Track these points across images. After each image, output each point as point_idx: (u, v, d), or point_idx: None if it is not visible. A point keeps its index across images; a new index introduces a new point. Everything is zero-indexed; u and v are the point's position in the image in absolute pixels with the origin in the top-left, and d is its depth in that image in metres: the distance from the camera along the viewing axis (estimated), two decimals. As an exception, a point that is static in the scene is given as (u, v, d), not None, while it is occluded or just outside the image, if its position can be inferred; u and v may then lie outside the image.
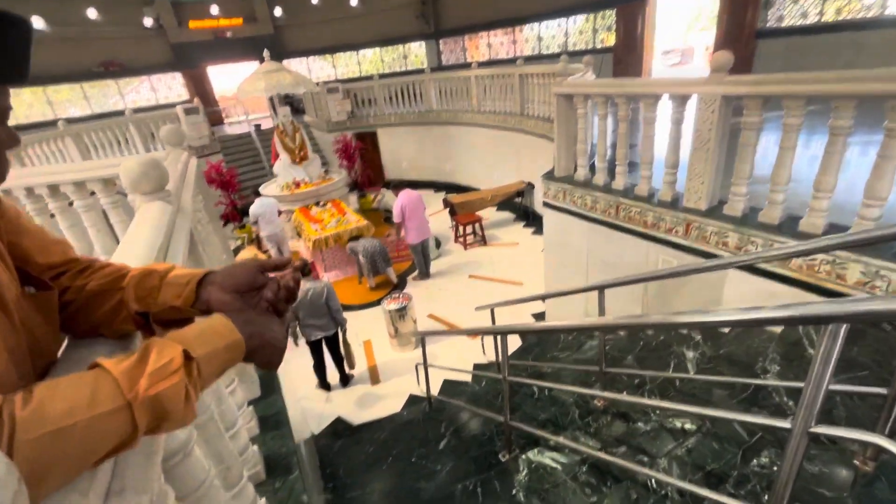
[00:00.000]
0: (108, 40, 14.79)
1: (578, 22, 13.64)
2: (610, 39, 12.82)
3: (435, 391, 4.44)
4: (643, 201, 3.38)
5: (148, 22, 15.39)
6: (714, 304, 3.07)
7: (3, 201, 0.65)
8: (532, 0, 13.93)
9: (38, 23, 13.28)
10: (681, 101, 3.01)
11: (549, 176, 4.33)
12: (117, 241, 2.50)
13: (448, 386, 4.59)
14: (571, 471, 2.15)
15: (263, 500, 1.27)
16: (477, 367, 4.79)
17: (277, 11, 17.53)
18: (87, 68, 14.47)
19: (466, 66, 13.70)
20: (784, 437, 1.03)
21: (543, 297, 3.95)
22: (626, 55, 11.96)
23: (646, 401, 1.64)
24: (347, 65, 19.06)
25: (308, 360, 4.73)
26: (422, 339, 3.72)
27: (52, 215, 2.95)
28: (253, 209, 7.23)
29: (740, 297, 2.91)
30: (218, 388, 1.28)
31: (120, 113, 11.22)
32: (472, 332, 2.88)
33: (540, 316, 5.56)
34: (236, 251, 8.33)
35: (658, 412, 2.23)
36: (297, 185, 8.50)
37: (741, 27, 9.03)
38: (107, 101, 15.33)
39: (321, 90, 11.34)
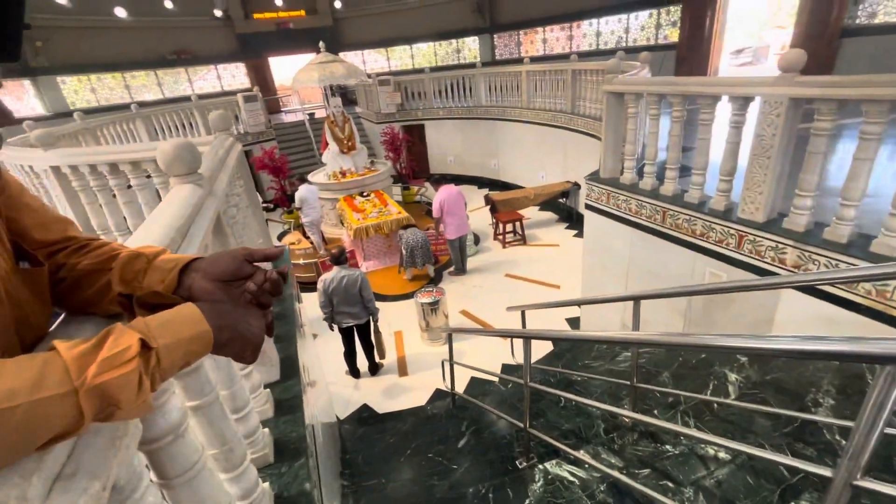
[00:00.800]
0: (181, 30, 15.75)
1: (641, 17, 13.01)
2: (674, 36, 12.14)
3: (462, 388, 4.43)
4: (693, 209, 3.16)
5: (217, 13, 16.24)
6: (765, 325, 2.82)
7: (6, 177, 0.67)
8: (593, -6, 13.42)
9: (120, 13, 14.36)
10: (742, 102, 2.77)
11: (594, 177, 4.15)
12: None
13: (475, 384, 4.56)
14: (589, 488, 2.06)
15: (267, 483, 1.29)
16: (505, 368, 4.71)
17: (337, 4, 17.95)
18: (162, 56, 15.49)
19: (519, 60, 13.45)
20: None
21: (576, 304, 3.80)
22: (691, 53, 11.27)
23: (675, 427, 1.52)
24: (401, 58, 19.25)
25: (339, 346, 4.84)
26: (449, 336, 3.70)
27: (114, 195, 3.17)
28: (298, 194, 7.54)
29: (796, 321, 2.66)
30: (230, 369, 1.31)
31: (187, 98, 11.95)
32: (498, 334, 2.81)
33: (574, 321, 5.38)
34: (282, 235, 8.67)
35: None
36: (344, 174, 8.69)
37: (824, 24, 8.24)
38: (177, 87, 16.35)
39: (373, 82, 11.52)
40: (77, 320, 0.67)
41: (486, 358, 4.79)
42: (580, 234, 7.83)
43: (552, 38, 15.77)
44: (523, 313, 3.70)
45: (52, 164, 3.16)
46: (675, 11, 11.84)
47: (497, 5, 16.41)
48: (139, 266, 0.65)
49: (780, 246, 2.64)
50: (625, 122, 3.85)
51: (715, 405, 2.37)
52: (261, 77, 17.52)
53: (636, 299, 2.38)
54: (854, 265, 2.35)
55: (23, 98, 12.54)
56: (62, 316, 0.69)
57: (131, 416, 0.48)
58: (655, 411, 2.51)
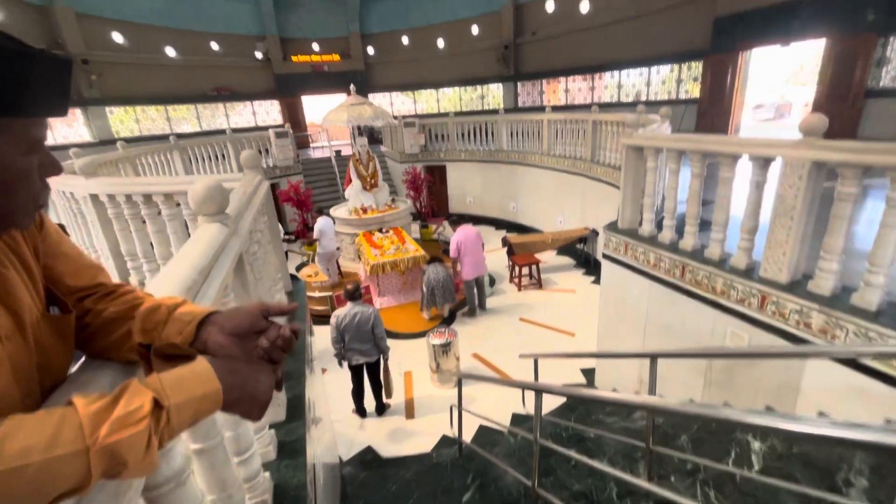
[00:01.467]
0: (223, 69, 16.83)
1: (662, 72, 13.35)
2: (695, 90, 12.37)
3: (469, 436, 4.29)
4: (713, 266, 3.11)
5: (258, 55, 17.37)
6: (790, 392, 2.69)
7: (48, 224, 0.71)
8: (614, 48, 13.91)
9: (170, 52, 15.49)
10: (764, 163, 2.77)
11: (612, 227, 4.15)
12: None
13: (484, 432, 4.41)
14: (599, 559, 1.93)
15: (263, 532, 1.26)
16: (515, 418, 4.57)
17: (370, 50, 19.03)
18: (203, 92, 16.49)
19: (541, 109, 13.84)
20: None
21: (591, 356, 3.70)
22: (712, 108, 11.43)
23: None
24: (427, 101, 20.04)
25: (348, 382, 4.78)
26: (459, 381, 3.62)
27: (144, 221, 3.30)
28: (317, 226, 7.79)
29: (824, 389, 2.53)
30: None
31: (222, 132, 12.59)
32: (510, 384, 2.75)
33: (590, 372, 5.22)
34: (301, 267, 8.80)
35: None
36: (365, 210, 8.89)
37: (847, 85, 8.30)
38: (215, 120, 17.28)
39: (399, 123, 11.97)
40: (95, 366, 0.69)
41: (497, 405, 4.66)
42: (597, 281, 7.73)
43: (574, 88, 16.24)
44: (536, 361, 3.62)
45: (91, 192, 3.33)
46: (697, 67, 12.14)
47: (521, 56, 17.11)
48: (159, 317, 0.67)
49: (805, 310, 2.56)
50: (644, 175, 3.88)
51: (737, 477, 2.23)
52: (293, 114, 18.42)
53: (653, 357, 2.31)
54: (885, 334, 2.25)
55: (72, 125, 13.40)
56: (82, 358, 0.71)
57: (137, 475, 0.48)
58: (673, 478, 2.38)
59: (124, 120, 14.95)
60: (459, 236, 6.61)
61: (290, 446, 1.68)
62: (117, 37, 14.20)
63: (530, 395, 4.19)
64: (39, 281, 0.66)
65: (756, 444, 2.48)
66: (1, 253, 0.60)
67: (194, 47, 15.99)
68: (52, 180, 0.64)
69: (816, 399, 2.58)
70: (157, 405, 0.50)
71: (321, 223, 7.79)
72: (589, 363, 5.38)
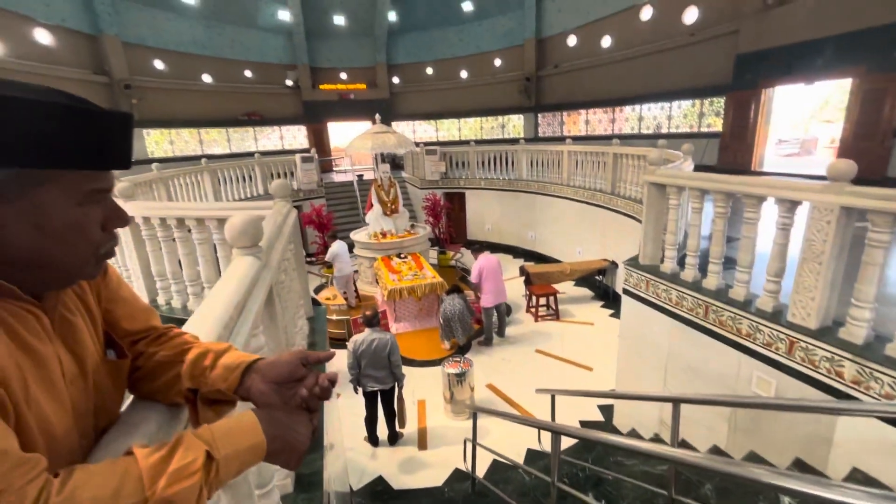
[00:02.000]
0: (255, 95, 17.60)
1: (684, 105, 13.41)
2: (717, 124, 12.36)
3: (483, 470, 4.19)
4: (738, 307, 3.04)
5: (289, 82, 18.14)
6: (822, 444, 2.57)
7: (111, 269, 0.76)
8: (636, 82, 14.07)
9: (206, 79, 16.30)
10: (790, 205, 2.74)
11: (633, 263, 4.11)
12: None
13: (498, 468, 4.30)
14: None
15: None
16: (530, 454, 4.45)
17: (395, 80, 19.67)
18: (234, 116, 17.22)
19: (561, 139, 13.98)
20: None
21: (610, 396, 3.60)
22: (735, 142, 11.38)
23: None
24: (449, 129, 20.47)
25: (361, 409, 4.75)
26: (474, 415, 3.57)
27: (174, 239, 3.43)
28: (331, 250, 8.01)
29: (858, 443, 2.41)
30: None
31: (251, 154, 13.06)
32: (525, 422, 2.70)
33: (608, 409, 5.08)
34: (319, 289, 8.90)
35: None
36: (384, 235, 9.02)
37: (876, 123, 8.18)
38: (244, 143, 17.95)
39: (420, 151, 12.23)
40: (143, 408, 0.72)
41: (511, 439, 4.55)
42: (616, 315, 7.60)
43: (594, 120, 16.40)
44: (553, 398, 3.55)
45: (129, 214, 3.49)
46: (719, 102, 12.16)
47: (542, 88, 17.43)
48: (206, 363, 0.71)
49: (837, 358, 2.47)
50: (666, 211, 3.86)
51: (765, 533, 2.12)
52: (319, 139, 19.02)
53: (676, 402, 2.26)
54: (923, 388, 2.15)
55: (111, 146, 14.08)
56: (130, 399, 0.75)
57: None
58: (696, 532, 2.27)
59: (159, 141, 15.65)
60: (481, 263, 6.67)
61: (307, 479, 1.68)
62: (158, 64, 15.05)
63: (546, 432, 4.10)
64: (100, 325, 0.70)
65: (786, 500, 2.37)
66: (70, 301, 0.65)
67: (229, 74, 16.81)
68: None
69: (850, 452, 2.46)
70: (209, 457, 0.53)
71: (335, 247, 8.00)
72: (608, 399, 5.24)
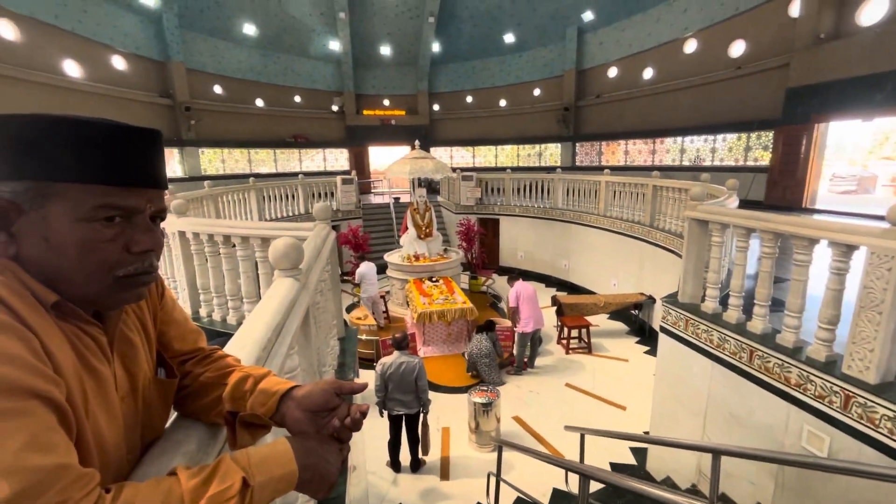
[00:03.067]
0: (302, 119, 18.53)
1: (729, 138, 13.04)
2: (765, 158, 11.92)
3: (505, 508, 4.04)
4: (787, 354, 2.86)
5: (335, 108, 19.01)
6: (883, 512, 2.34)
7: (168, 292, 0.82)
8: (678, 114, 13.86)
9: (259, 103, 17.33)
10: (846, 249, 2.59)
11: (672, 300, 3.96)
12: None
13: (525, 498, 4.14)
14: None
15: None
16: (556, 494, 4.26)
17: (435, 107, 20.24)
18: (282, 138, 18.13)
19: (599, 168, 13.84)
20: None
21: (645, 441, 3.42)
22: (785, 178, 10.91)
23: None
24: (486, 155, 20.73)
25: (385, 433, 4.72)
26: (499, 448, 3.48)
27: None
28: (359, 271, 8.25)
29: (926, 515, 2.18)
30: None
31: (295, 175, 13.66)
32: (553, 462, 2.60)
33: (641, 452, 4.82)
34: (351, 308, 9.05)
35: None
36: (417, 258, 9.12)
37: (944, 163, 7.65)
38: (289, 164, 18.81)
39: (457, 176, 12.41)
40: (186, 426, 0.76)
41: (537, 476, 4.38)
42: (652, 352, 7.29)
43: (634, 150, 16.19)
44: (583, 438, 3.42)
45: (180, 229, 3.71)
46: (766, 136, 11.75)
47: (581, 118, 17.45)
48: (247, 387, 0.74)
49: (900, 417, 2.27)
50: (708, 249, 3.73)
51: None
52: (359, 162, 19.69)
53: (716, 453, 2.12)
54: None
55: (169, 162, 15.12)
56: (174, 416, 0.79)
57: None
58: None
59: (212, 160, 16.65)
60: (518, 288, 6.74)
61: (332, 503, 1.68)
62: (217, 88, 16.16)
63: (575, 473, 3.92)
64: (154, 345, 0.75)
65: (841, 572, 2.15)
66: (131, 321, 0.70)
67: (280, 99, 17.82)
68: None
69: (917, 526, 2.22)
70: (245, 484, 0.55)
71: (362, 268, 8.24)
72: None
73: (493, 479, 3.57)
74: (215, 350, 0.85)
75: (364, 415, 0.73)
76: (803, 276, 2.84)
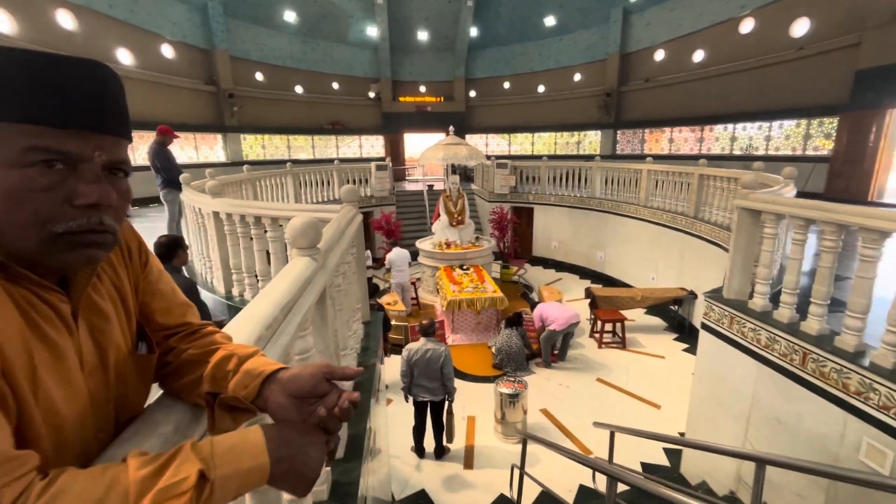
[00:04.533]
0: (339, 106, 18.73)
1: (786, 126, 12.12)
2: (827, 147, 11.01)
3: (529, 500, 3.96)
4: (846, 358, 2.60)
5: (371, 95, 19.08)
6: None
7: (152, 261, 0.76)
8: (730, 100, 13.00)
9: (298, 90, 17.62)
10: (923, 244, 2.30)
11: (716, 295, 3.70)
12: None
13: (544, 500, 4.04)
14: None
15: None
16: (582, 491, 4.14)
17: (472, 93, 19.93)
18: (320, 125, 18.42)
19: (641, 157, 13.24)
20: None
21: (682, 444, 3.21)
22: (849, 168, 10.04)
23: None
24: (522, 143, 20.30)
25: (410, 418, 4.72)
26: (524, 442, 3.38)
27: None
28: (389, 256, 8.36)
29: None
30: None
31: (331, 161, 13.85)
32: (580, 460, 2.48)
33: (675, 453, 4.60)
34: (382, 293, 9.12)
35: None
36: (449, 245, 9.05)
37: None
38: (327, 150, 19.12)
39: (491, 164, 12.20)
40: (166, 405, 0.71)
41: (563, 472, 4.27)
42: (691, 350, 6.95)
43: (679, 139, 15.37)
44: (613, 436, 3.27)
45: (214, 209, 3.79)
46: (830, 123, 10.83)
47: (623, 104, 16.70)
48: (230, 367, 0.68)
49: (981, 435, 2.00)
50: (759, 241, 3.44)
51: None
52: (394, 149, 19.75)
53: (760, 462, 1.95)
54: None
55: (213, 147, 15.68)
56: (160, 394, 0.74)
57: None
58: None
59: (253, 146, 17.15)
60: (539, 309, 6.77)
61: (344, 489, 1.65)
62: (259, 76, 16.55)
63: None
64: (134, 317, 0.70)
65: None
66: (105, 289, 0.65)
67: (318, 86, 18.06)
68: (186, 197, 0.58)
69: None
70: (203, 477, 0.48)
71: (392, 254, 8.32)
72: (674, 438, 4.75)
73: (517, 472, 3.49)
74: (204, 326, 0.79)
75: (355, 404, 0.66)
76: (870, 274, 2.55)
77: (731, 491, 3.51)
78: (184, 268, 3.37)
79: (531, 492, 3.95)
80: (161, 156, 5.86)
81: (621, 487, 3.88)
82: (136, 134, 12.39)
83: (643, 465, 4.47)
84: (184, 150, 14.61)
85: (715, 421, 3.71)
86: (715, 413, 3.72)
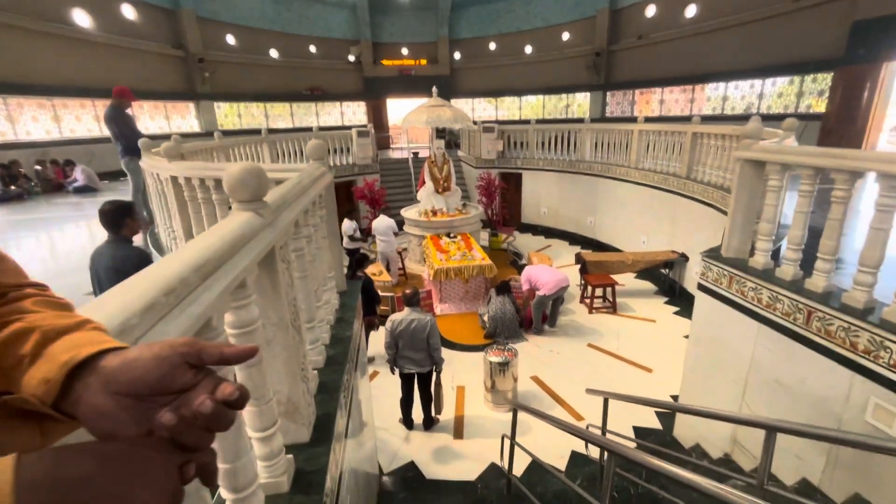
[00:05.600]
0: (318, 70, 17.83)
1: (779, 83, 11.82)
2: (819, 106, 10.78)
3: (521, 467, 3.86)
4: (856, 316, 2.43)
5: (351, 58, 18.17)
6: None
7: None
8: (722, 57, 12.60)
9: (273, 54, 16.68)
10: (947, 189, 2.09)
11: (713, 254, 3.51)
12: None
13: (536, 468, 3.96)
14: None
15: None
16: (575, 457, 4.06)
17: (457, 55, 19.12)
18: (298, 92, 17.57)
19: (632, 119, 12.90)
20: None
21: (676, 410, 3.07)
22: (842, 126, 9.86)
23: None
24: (509, 108, 19.71)
25: (397, 389, 4.57)
26: (514, 412, 3.23)
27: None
28: (374, 224, 8.14)
29: None
30: (239, 438, 1.08)
31: (310, 129, 13.25)
32: (572, 431, 2.32)
33: (668, 416, 4.53)
34: (369, 263, 8.86)
35: None
36: (435, 213, 8.75)
37: None
38: (307, 118, 18.34)
39: (478, 128, 11.76)
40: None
41: (555, 439, 4.16)
42: (682, 313, 6.88)
43: (671, 100, 15.00)
44: (606, 403, 3.13)
45: (171, 174, 3.44)
46: (824, 79, 10.56)
47: (614, 64, 16.16)
48: (26, 349, 0.42)
49: None
50: (761, 195, 3.23)
51: None
52: (377, 116, 19.03)
53: (770, 430, 1.78)
54: None
55: (185, 117, 14.89)
56: None
57: None
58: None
59: (229, 114, 16.35)
60: (527, 272, 6.53)
61: (308, 477, 1.44)
62: (230, 39, 15.58)
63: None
64: None
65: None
66: None
67: (295, 50, 17.10)
68: (145, 163, 0.33)
69: None
70: None
71: (376, 222, 8.10)
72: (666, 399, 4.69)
73: (507, 443, 3.36)
74: (21, 286, 0.52)
75: (234, 405, 0.40)
76: (885, 224, 2.35)
77: (726, 454, 3.44)
78: (150, 241, 3.05)
79: (523, 460, 3.85)
80: (119, 121, 5.40)
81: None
82: (98, 103, 11.66)
83: (636, 429, 4.40)
84: (154, 119, 13.85)
85: (711, 384, 3.60)
86: (710, 376, 3.61)
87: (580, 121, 13.00)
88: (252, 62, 16.14)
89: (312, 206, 2.19)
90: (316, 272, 2.19)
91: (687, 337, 6.20)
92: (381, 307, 6.84)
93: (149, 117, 13.64)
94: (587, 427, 3.56)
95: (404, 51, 18.96)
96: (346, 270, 7.66)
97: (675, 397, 4.79)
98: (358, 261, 5.75)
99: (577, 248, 9.73)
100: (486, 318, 6.43)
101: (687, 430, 4.00)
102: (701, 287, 3.61)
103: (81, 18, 11.42)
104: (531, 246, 10.28)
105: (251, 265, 1.15)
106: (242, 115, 16.72)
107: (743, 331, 3.21)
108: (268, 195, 1.46)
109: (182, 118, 14.78)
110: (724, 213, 5.99)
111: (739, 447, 3.32)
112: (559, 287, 6.26)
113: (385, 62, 18.66)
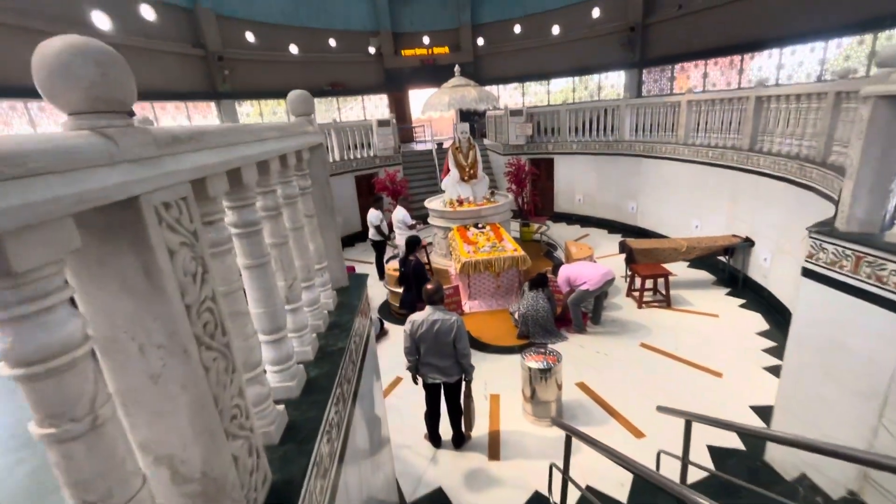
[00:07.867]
0: (338, 65, 17.42)
1: (845, 43, 10.46)
2: None
3: (572, 501, 3.14)
4: None
5: (371, 50, 17.68)
6: None
7: None
8: (775, 19, 11.29)
9: (293, 49, 16.38)
10: None
11: (826, 229, 2.68)
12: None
13: (593, 494, 3.22)
14: None
15: None
16: (638, 484, 3.30)
17: (480, 41, 18.33)
18: (319, 86, 17.21)
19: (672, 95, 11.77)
20: None
21: (802, 447, 2.19)
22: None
23: None
24: (536, 94, 18.78)
25: (421, 401, 3.91)
26: (567, 440, 2.51)
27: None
28: (394, 215, 7.59)
29: None
30: None
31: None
32: (638, 473, 1.60)
33: (753, 437, 3.68)
34: (391, 259, 8.27)
35: None
36: (461, 202, 8.06)
37: None
38: (329, 115, 17.99)
39: (505, 113, 10.98)
40: None
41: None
42: (750, 306, 5.95)
43: (715, 73, 13.70)
44: (689, 427, 2.36)
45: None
46: (903, 35, 9.20)
47: (650, 38, 14.97)
48: None
49: None
50: (901, 146, 2.38)
51: None
52: (400, 109, 18.52)
53: None
54: None
55: (207, 116, 14.77)
56: None
57: None
58: None
59: (251, 114, 16.16)
60: (563, 271, 5.71)
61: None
62: (249, 36, 15.34)
63: (665, 459, 2.89)
64: None
65: None
66: None
67: (314, 44, 16.75)
68: None
69: None
70: None
71: (397, 213, 7.56)
72: (751, 417, 3.85)
73: (557, 474, 2.65)
74: None
75: None
76: None
77: (851, 492, 2.61)
78: None
79: (574, 488, 3.14)
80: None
81: (692, 477, 3.01)
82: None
83: (711, 449, 3.59)
84: (176, 119, 13.76)
85: (824, 398, 2.77)
86: (823, 387, 2.77)
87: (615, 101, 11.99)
88: (272, 59, 15.88)
89: (282, 167, 1.55)
90: (287, 260, 1.54)
91: (761, 334, 5.34)
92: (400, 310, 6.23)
93: (171, 118, 13.56)
94: (658, 455, 2.80)
95: (425, 39, 18.31)
96: (397, 255, 7.15)
97: (757, 409, 3.95)
98: (409, 244, 5.59)
99: (618, 237, 8.83)
100: (516, 315, 5.70)
101: (784, 453, 3.16)
102: (808, 273, 2.77)
103: (101, 20, 11.34)
104: (566, 236, 9.44)
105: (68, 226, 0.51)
106: (264, 115, 16.52)
107: (877, 330, 2.38)
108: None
109: (203, 118, 14.67)
110: (803, 186, 5.05)
111: (873, 485, 2.49)
112: (605, 280, 5.47)
113: (406, 52, 18.07)
